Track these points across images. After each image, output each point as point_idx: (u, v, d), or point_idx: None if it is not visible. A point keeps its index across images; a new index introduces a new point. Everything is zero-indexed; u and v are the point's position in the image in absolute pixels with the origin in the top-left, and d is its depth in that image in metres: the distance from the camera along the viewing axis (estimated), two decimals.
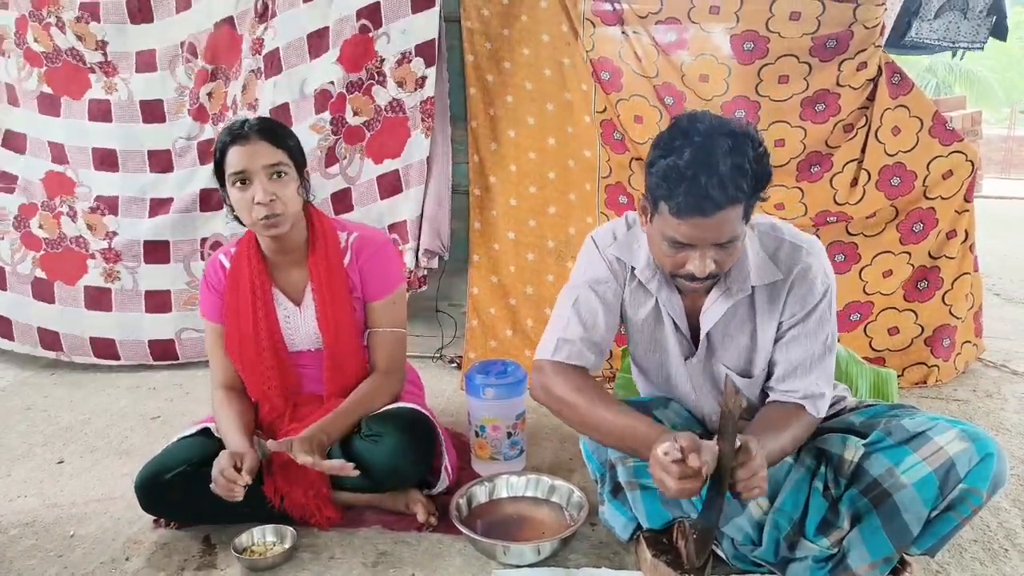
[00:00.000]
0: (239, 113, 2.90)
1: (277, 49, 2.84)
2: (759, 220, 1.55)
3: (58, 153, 3.09)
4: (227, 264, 1.94)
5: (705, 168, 1.25)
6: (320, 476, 1.78)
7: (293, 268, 1.94)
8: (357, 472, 1.69)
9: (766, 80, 2.74)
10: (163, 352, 3.09)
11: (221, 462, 1.65)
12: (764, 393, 1.61)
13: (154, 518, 1.86)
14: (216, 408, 1.89)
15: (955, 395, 2.73)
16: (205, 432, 1.88)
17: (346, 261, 1.93)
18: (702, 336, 1.56)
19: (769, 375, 1.58)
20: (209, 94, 2.99)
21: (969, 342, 2.91)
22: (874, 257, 2.81)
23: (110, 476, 2.17)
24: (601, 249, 1.61)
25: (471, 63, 2.89)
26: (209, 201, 3.01)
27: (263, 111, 2.85)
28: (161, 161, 3.05)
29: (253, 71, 2.88)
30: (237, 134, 1.77)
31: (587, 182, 2.89)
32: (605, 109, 2.85)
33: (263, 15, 2.84)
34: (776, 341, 1.55)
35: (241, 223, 1.86)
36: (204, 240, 3.05)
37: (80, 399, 2.82)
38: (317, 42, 2.82)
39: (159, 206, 3.04)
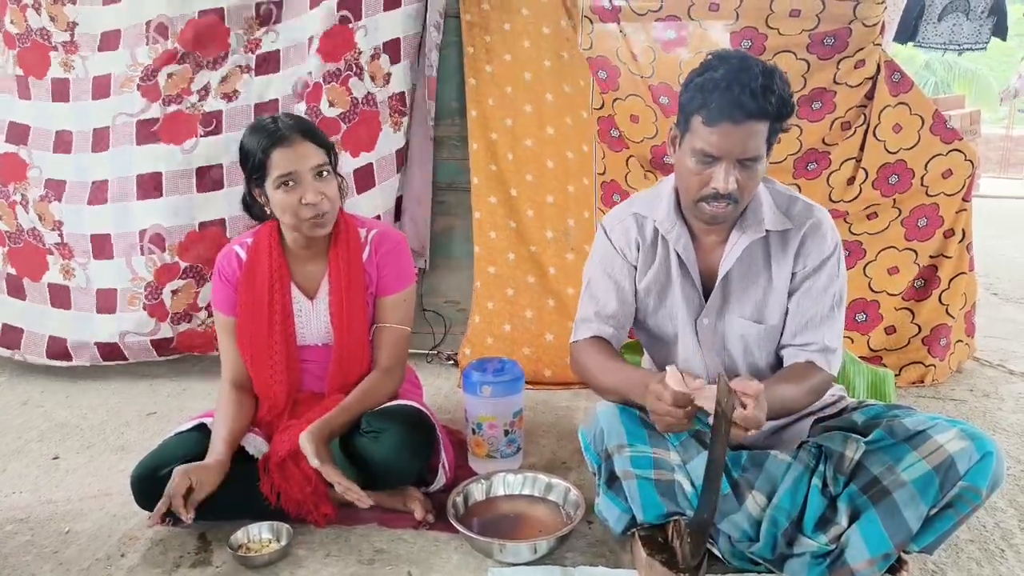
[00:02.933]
0: (209, 100, 2.82)
1: (277, 51, 2.83)
2: (776, 184, 1.66)
3: (17, 132, 2.98)
4: (243, 255, 1.94)
5: (738, 80, 1.38)
6: (316, 473, 1.77)
7: (311, 261, 1.95)
8: (369, 504, 1.72)
9: None
10: (109, 352, 2.91)
11: (175, 481, 1.66)
12: (778, 356, 1.67)
13: (150, 514, 1.85)
14: (217, 405, 1.90)
15: (952, 394, 2.73)
16: (201, 427, 1.88)
17: (365, 256, 1.94)
18: (717, 283, 1.62)
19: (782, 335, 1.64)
20: (169, 75, 2.86)
21: (961, 341, 2.92)
22: (878, 253, 2.80)
23: (106, 472, 2.16)
24: (608, 231, 1.73)
25: (470, 55, 2.88)
26: (147, 188, 2.83)
27: (244, 103, 2.81)
28: (102, 139, 2.91)
29: (240, 66, 2.83)
30: (279, 136, 1.76)
31: (584, 176, 2.88)
32: (603, 106, 2.84)
33: (266, 18, 2.82)
34: (791, 293, 1.61)
35: (254, 218, 1.94)
36: (143, 232, 2.82)
37: (76, 395, 2.81)
38: (313, 44, 2.81)
39: (98, 190, 2.89)
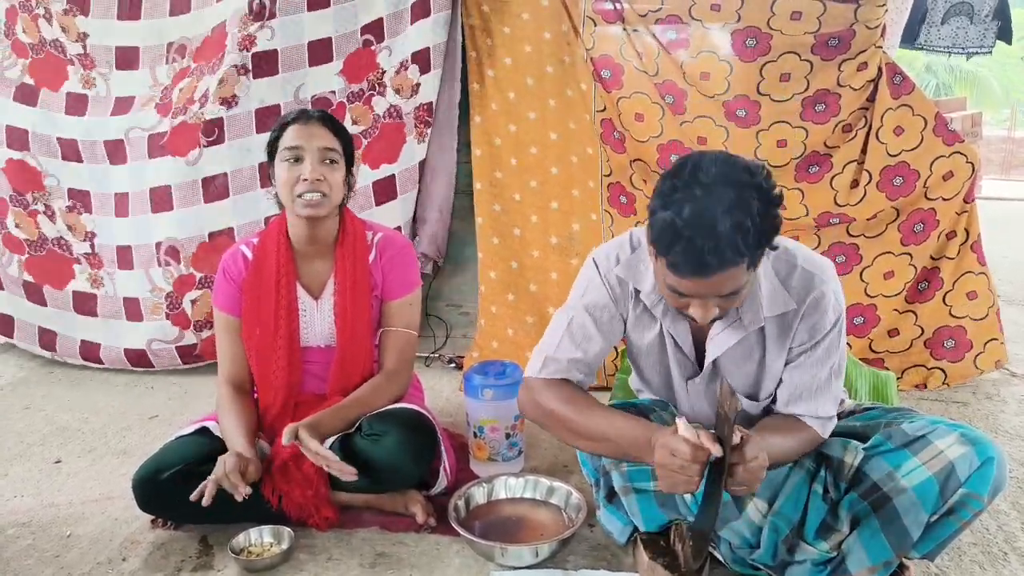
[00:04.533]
0: (208, 107, 2.82)
1: (275, 51, 2.81)
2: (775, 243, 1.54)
3: (18, 138, 3.01)
4: (249, 255, 1.95)
5: (701, 230, 1.18)
6: (319, 476, 1.78)
7: (317, 261, 1.96)
8: (355, 476, 1.68)
9: (768, 79, 2.73)
10: (139, 359, 3.01)
11: (229, 464, 1.65)
12: (767, 412, 1.61)
13: (152, 518, 1.86)
14: (221, 406, 1.90)
15: (955, 397, 2.73)
16: (203, 431, 1.88)
17: (371, 258, 1.96)
18: (707, 361, 1.54)
19: (774, 399, 1.57)
20: (181, 89, 2.92)
21: (995, 339, 2.85)
22: (875, 258, 2.80)
23: (108, 476, 2.16)
24: (603, 273, 1.56)
25: (473, 59, 2.89)
26: (159, 201, 2.88)
27: (245, 109, 2.81)
28: (116, 151, 2.95)
29: (236, 66, 2.81)
30: (300, 115, 1.86)
31: (590, 179, 2.88)
32: (605, 108, 2.84)
33: (259, 14, 2.81)
34: (785, 364, 1.53)
35: (279, 207, 1.95)
36: (159, 244, 2.91)
37: (78, 398, 2.82)
38: (318, 50, 2.83)
39: (120, 202, 2.96)
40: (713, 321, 1.41)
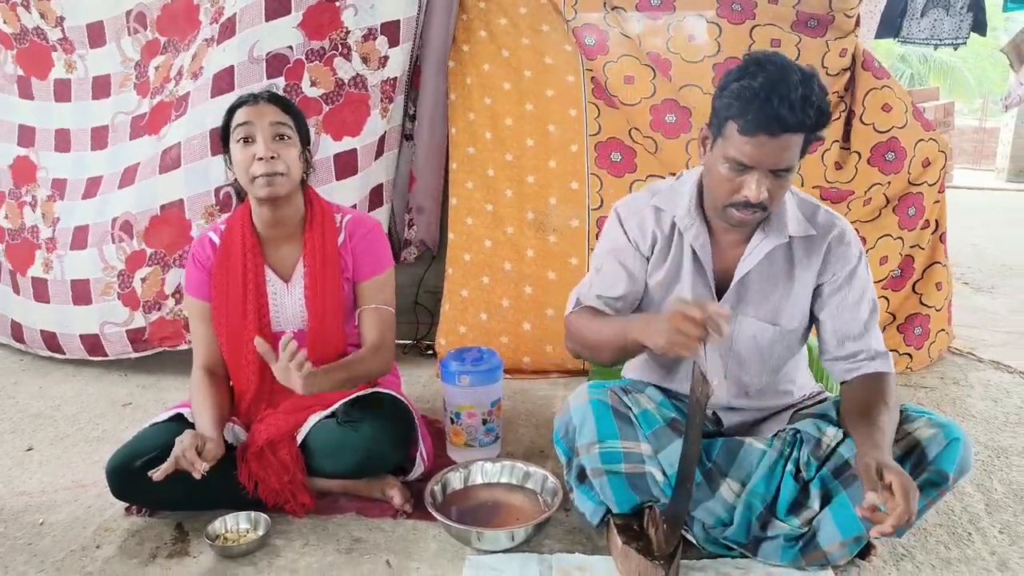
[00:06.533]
0: (182, 83, 2.73)
1: (234, 15, 2.66)
2: (798, 191, 1.65)
3: (26, 135, 3.01)
4: (216, 240, 1.94)
5: (777, 91, 1.34)
6: (295, 462, 1.77)
7: (285, 244, 1.94)
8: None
9: (758, 42, 2.70)
10: (93, 347, 2.88)
11: (184, 441, 1.64)
12: (791, 347, 1.67)
13: (126, 505, 1.84)
14: (193, 390, 1.88)
15: (923, 382, 2.78)
16: (178, 418, 1.86)
17: (340, 241, 1.94)
18: (733, 284, 1.60)
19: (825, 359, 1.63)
20: (156, 67, 2.84)
21: (943, 331, 2.94)
22: (877, 240, 2.78)
23: (81, 463, 2.14)
24: (623, 219, 1.68)
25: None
26: (127, 179, 2.78)
27: (208, 78, 2.67)
28: (100, 137, 2.91)
29: (207, 39, 2.71)
30: (247, 97, 1.86)
31: (572, 143, 2.83)
32: (592, 68, 2.81)
33: None
34: (817, 300, 1.61)
35: (239, 198, 1.95)
36: (115, 220, 2.76)
37: (49, 385, 2.78)
38: (274, 4, 2.64)
39: (92, 185, 2.88)
40: (747, 237, 1.57)
